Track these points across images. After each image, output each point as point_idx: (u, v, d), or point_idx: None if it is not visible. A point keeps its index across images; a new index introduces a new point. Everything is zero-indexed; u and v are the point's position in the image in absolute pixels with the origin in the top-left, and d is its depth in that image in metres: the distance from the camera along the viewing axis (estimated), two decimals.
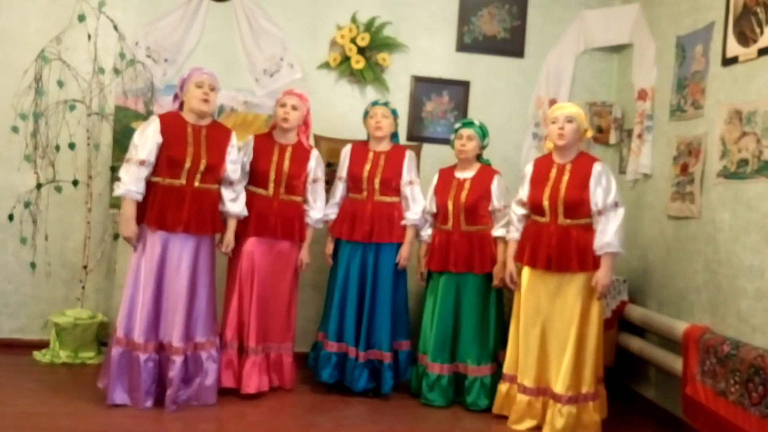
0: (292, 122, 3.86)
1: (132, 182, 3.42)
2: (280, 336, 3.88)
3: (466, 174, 4.00)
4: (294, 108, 3.85)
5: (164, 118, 3.56)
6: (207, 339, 3.59)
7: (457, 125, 4.07)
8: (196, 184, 3.51)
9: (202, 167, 3.50)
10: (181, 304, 3.48)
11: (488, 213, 3.95)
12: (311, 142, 4.47)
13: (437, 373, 3.90)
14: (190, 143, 3.50)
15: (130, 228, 3.46)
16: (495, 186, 3.94)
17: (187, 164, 3.47)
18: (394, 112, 4.07)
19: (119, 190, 3.44)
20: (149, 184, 3.47)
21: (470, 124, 4.02)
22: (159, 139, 3.46)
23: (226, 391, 3.73)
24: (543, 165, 3.71)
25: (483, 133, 4.01)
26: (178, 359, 3.48)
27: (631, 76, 4.53)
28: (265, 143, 3.90)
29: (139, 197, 3.45)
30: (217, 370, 3.62)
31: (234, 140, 3.68)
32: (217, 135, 3.62)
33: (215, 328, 3.69)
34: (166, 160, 3.46)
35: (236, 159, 3.69)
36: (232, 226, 3.70)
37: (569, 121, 3.56)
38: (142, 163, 3.43)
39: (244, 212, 3.73)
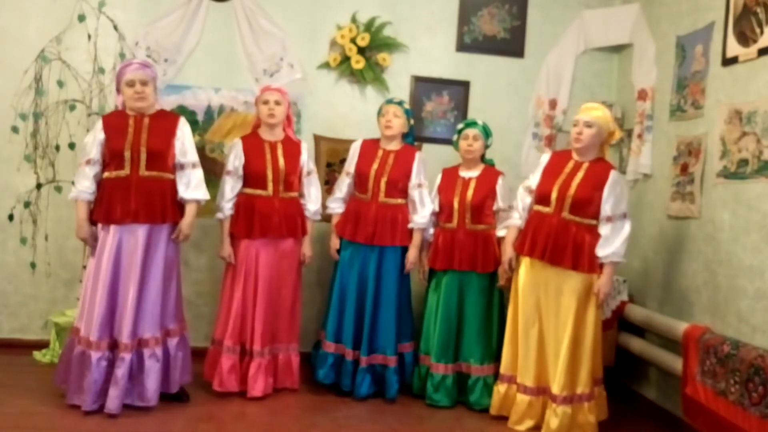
0: (278, 117, 3.84)
1: (82, 184, 3.44)
2: (288, 336, 3.88)
3: (471, 173, 4.00)
4: (277, 103, 3.83)
5: (107, 117, 3.59)
6: (152, 335, 3.46)
7: (461, 125, 4.07)
8: (142, 172, 3.45)
9: (143, 154, 3.45)
10: (130, 299, 3.40)
11: (492, 213, 3.95)
12: (311, 142, 4.49)
13: (442, 373, 3.90)
14: (129, 133, 3.47)
15: (84, 230, 3.47)
16: (500, 186, 3.95)
17: (127, 153, 3.43)
18: (407, 112, 4.05)
19: (71, 193, 3.47)
20: (99, 183, 3.47)
21: (474, 123, 4.02)
22: (101, 136, 3.47)
23: (227, 392, 3.73)
24: (560, 158, 3.70)
25: (487, 132, 4.02)
26: (126, 357, 3.38)
27: (631, 76, 4.53)
28: (254, 143, 3.86)
29: (90, 197, 3.46)
30: (159, 371, 3.47)
31: (182, 125, 3.58)
32: (161, 122, 3.55)
33: (169, 325, 3.55)
34: (109, 153, 3.45)
35: (186, 143, 3.56)
36: (190, 212, 3.55)
37: (588, 126, 3.55)
38: (88, 162, 3.45)
39: (198, 196, 3.57)
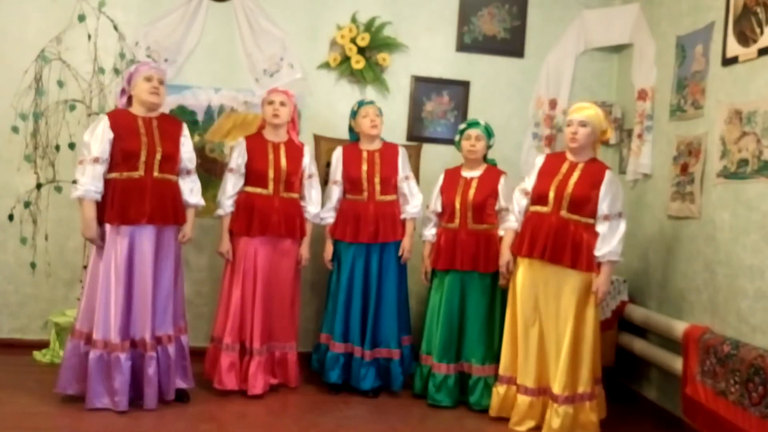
0: (283, 118, 3.87)
1: (89, 182, 3.38)
2: (285, 335, 3.90)
3: (473, 173, 4.01)
4: (282, 104, 3.86)
5: (112, 115, 3.54)
6: (165, 333, 3.52)
7: (463, 126, 4.07)
8: (155, 174, 3.47)
9: (158, 157, 3.47)
10: (149, 298, 3.44)
11: (494, 212, 3.96)
12: (311, 142, 4.49)
13: (444, 373, 3.90)
14: (142, 134, 3.47)
15: (92, 229, 3.43)
16: (502, 185, 3.95)
17: (143, 155, 3.44)
18: (381, 112, 4.12)
19: (76, 192, 3.40)
20: (107, 183, 3.44)
21: (477, 124, 4.02)
22: (110, 134, 3.44)
23: (227, 391, 3.74)
24: (555, 159, 3.72)
25: (489, 133, 4.03)
26: (153, 355, 3.43)
27: (631, 76, 4.53)
28: (257, 143, 3.90)
29: (98, 197, 3.42)
30: (175, 366, 3.55)
31: (186, 131, 3.67)
32: (168, 125, 3.60)
33: (178, 323, 3.61)
34: (121, 153, 3.43)
35: (191, 149, 3.67)
36: (190, 216, 3.66)
37: (583, 125, 3.57)
38: (96, 160, 3.40)
39: (201, 202, 3.70)
